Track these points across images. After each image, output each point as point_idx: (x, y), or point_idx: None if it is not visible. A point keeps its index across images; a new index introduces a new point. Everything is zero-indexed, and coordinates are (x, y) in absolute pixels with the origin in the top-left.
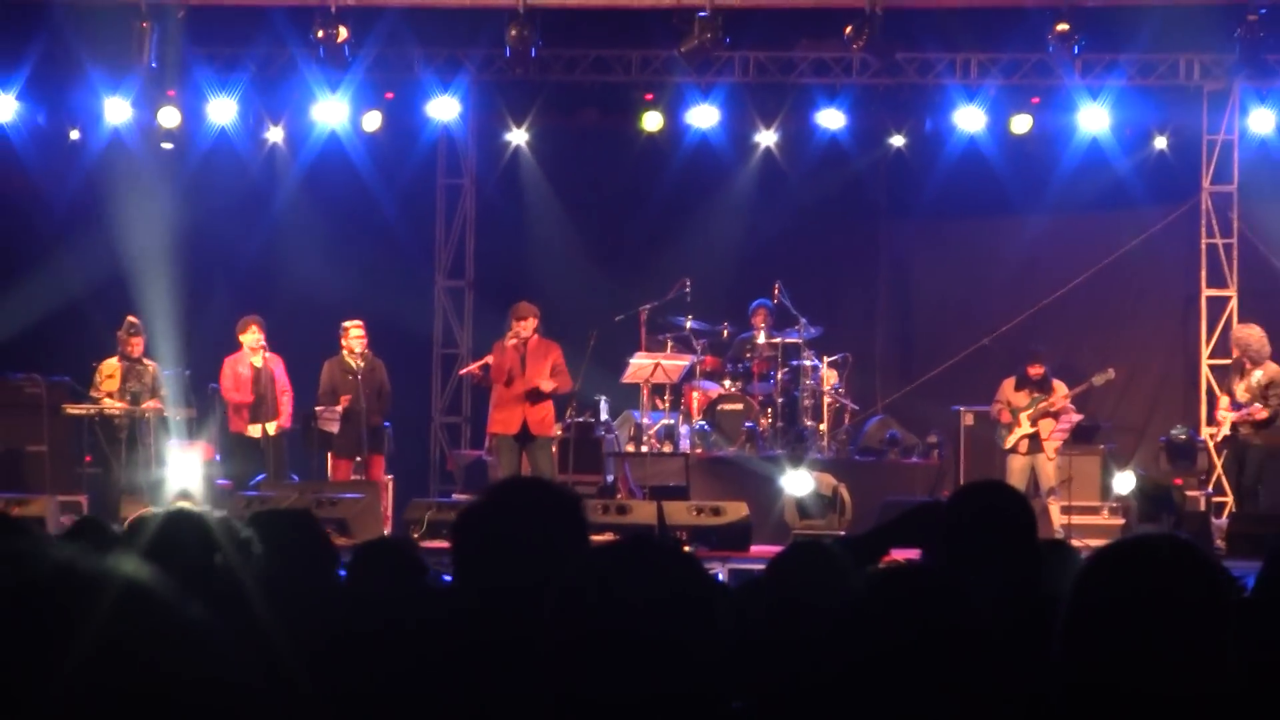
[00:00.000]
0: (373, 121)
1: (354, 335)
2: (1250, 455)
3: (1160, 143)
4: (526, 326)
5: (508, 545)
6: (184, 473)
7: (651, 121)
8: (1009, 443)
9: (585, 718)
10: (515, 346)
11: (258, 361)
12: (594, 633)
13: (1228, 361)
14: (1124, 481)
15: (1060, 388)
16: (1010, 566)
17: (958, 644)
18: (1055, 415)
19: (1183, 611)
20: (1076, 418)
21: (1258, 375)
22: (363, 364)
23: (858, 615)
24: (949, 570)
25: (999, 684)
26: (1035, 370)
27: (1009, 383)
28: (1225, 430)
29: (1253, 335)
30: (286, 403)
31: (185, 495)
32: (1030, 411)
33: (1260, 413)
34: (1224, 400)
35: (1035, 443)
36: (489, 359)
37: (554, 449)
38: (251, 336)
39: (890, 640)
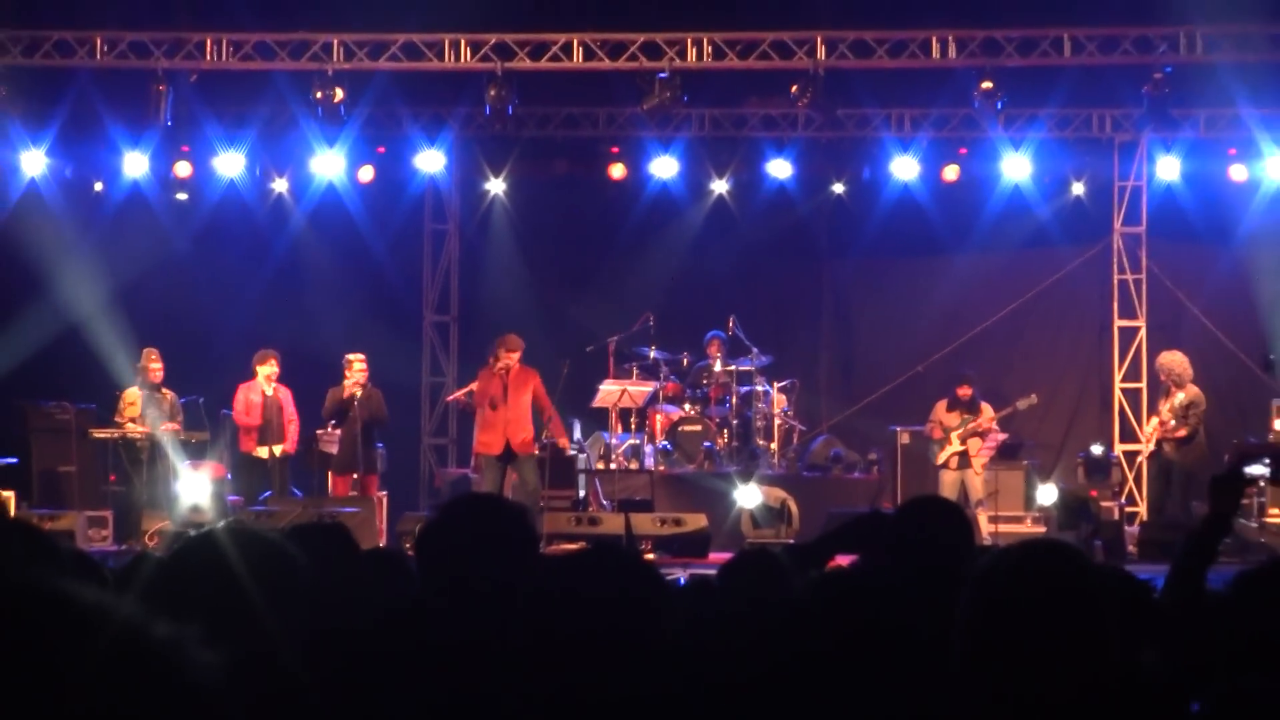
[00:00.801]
0: (366, 174)
1: (357, 367)
2: (1175, 470)
3: (1077, 189)
4: (515, 358)
5: (462, 553)
6: (196, 490)
7: (611, 170)
8: (941, 459)
9: (551, 704)
10: (500, 374)
11: (269, 390)
12: (561, 627)
13: (1139, 385)
14: (1047, 493)
15: (987, 409)
16: (953, 577)
17: (891, 641)
18: (982, 434)
19: (1066, 613)
20: (1001, 437)
21: (1180, 397)
22: (360, 393)
23: (798, 614)
24: (884, 573)
25: (931, 680)
26: (964, 392)
27: (941, 404)
28: (1151, 446)
29: (1176, 361)
30: (293, 430)
31: (196, 509)
32: (960, 431)
33: (1179, 431)
34: (1153, 420)
35: (964, 459)
36: (473, 386)
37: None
38: (269, 368)
39: (827, 637)
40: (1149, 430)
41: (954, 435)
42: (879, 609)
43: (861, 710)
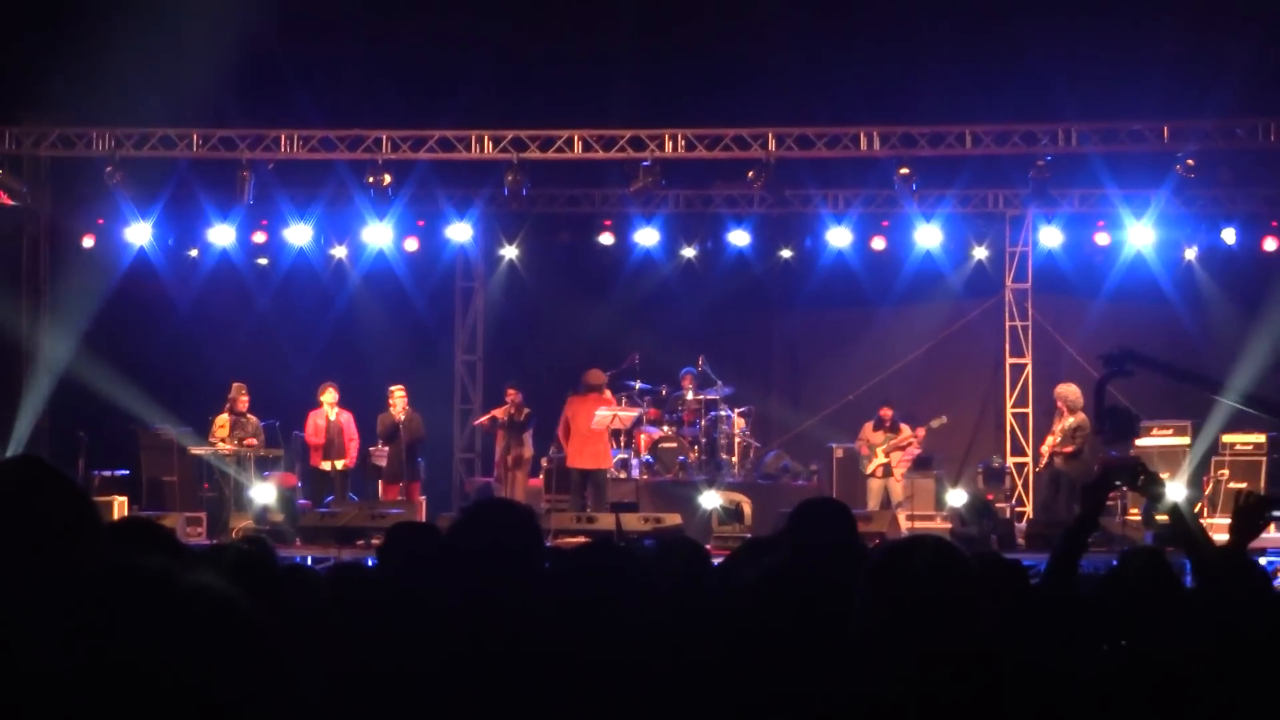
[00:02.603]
0: (409, 243)
1: (397, 395)
2: (1063, 479)
3: (977, 253)
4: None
5: (481, 545)
6: (267, 496)
7: (603, 238)
8: (868, 470)
9: (557, 654)
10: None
11: (332, 415)
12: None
13: (1026, 410)
14: (956, 497)
15: (905, 429)
16: (840, 560)
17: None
18: (902, 449)
19: (943, 592)
20: (916, 451)
21: (1070, 421)
22: (404, 416)
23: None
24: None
25: (834, 657)
26: (885, 414)
27: (868, 425)
28: (1045, 460)
29: (1070, 391)
30: (353, 448)
31: (269, 511)
32: (883, 446)
33: (1067, 448)
34: (1048, 439)
35: (887, 469)
36: (495, 412)
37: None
38: (329, 396)
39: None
40: (1045, 447)
41: (878, 450)
42: (791, 596)
43: (781, 684)
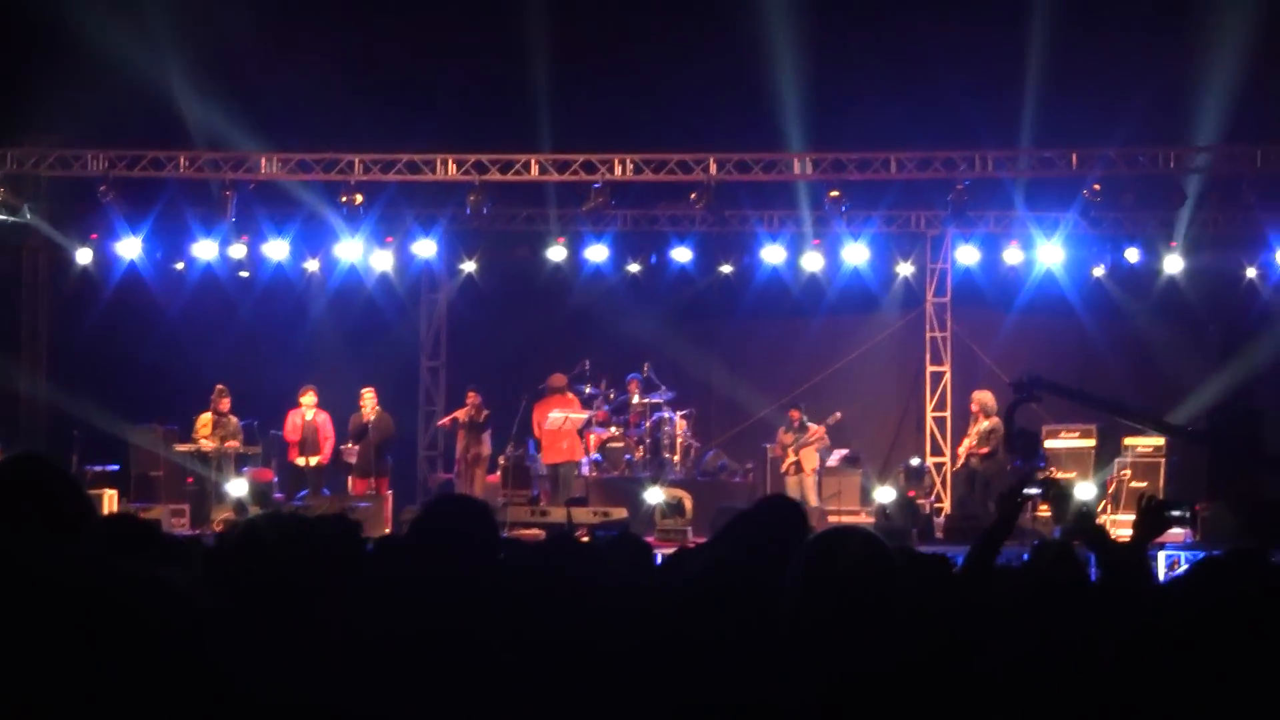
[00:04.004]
0: (378, 259)
1: (367, 398)
2: (978, 478)
3: (901, 269)
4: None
5: (440, 538)
6: (242, 490)
7: (556, 254)
8: (784, 468)
9: (514, 633)
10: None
11: (310, 415)
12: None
13: (945, 414)
14: (885, 494)
15: (812, 427)
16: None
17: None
18: (812, 445)
19: (865, 578)
20: (824, 445)
21: (985, 424)
22: (373, 417)
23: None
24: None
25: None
26: (794, 416)
27: (780, 429)
28: (962, 460)
29: (987, 397)
30: (328, 446)
31: (247, 504)
32: (793, 445)
33: (983, 449)
34: (965, 441)
35: (798, 467)
36: (457, 413)
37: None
38: (309, 398)
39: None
40: (962, 448)
41: (789, 450)
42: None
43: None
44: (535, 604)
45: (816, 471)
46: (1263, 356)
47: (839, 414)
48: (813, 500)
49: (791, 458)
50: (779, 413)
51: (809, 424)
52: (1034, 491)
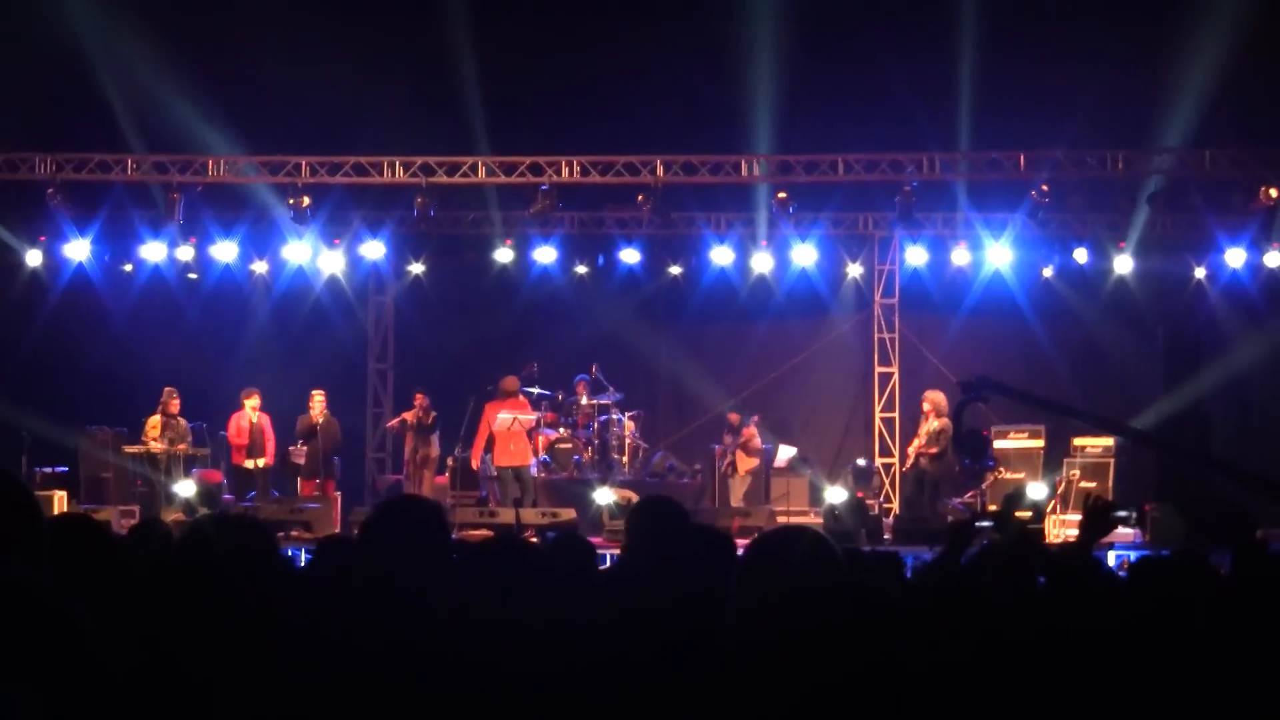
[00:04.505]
0: (326, 261)
1: (317, 400)
2: (927, 479)
3: (850, 271)
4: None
5: (395, 536)
6: (189, 491)
7: (504, 256)
8: (724, 468)
9: (462, 634)
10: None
11: (254, 418)
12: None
13: (893, 415)
14: (835, 494)
15: (746, 430)
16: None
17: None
18: (744, 447)
19: (809, 575)
20: (757, 446)
21: (935, 424)
22: (322, 419)
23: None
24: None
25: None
26: (732, 419)
27: (725, 431)
28: (911, 460)
29: (939, 398)
30: (270, 447)
31: (195, 505)
32: (730, 447)
33: (932, 449)
34: (915, 441)
35: (733, 466)
36: (405, 415)
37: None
38: (253, 401)
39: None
40: (911, 449)
41: (728, 452)
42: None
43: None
44: (484, 606)
45: (751, 473)
46: (1209, 359)
47: (756, 416)
48: (734, 500)
49: (729, 458)
50: (726, 415)
51: (744, 426)
52: (986, 524)
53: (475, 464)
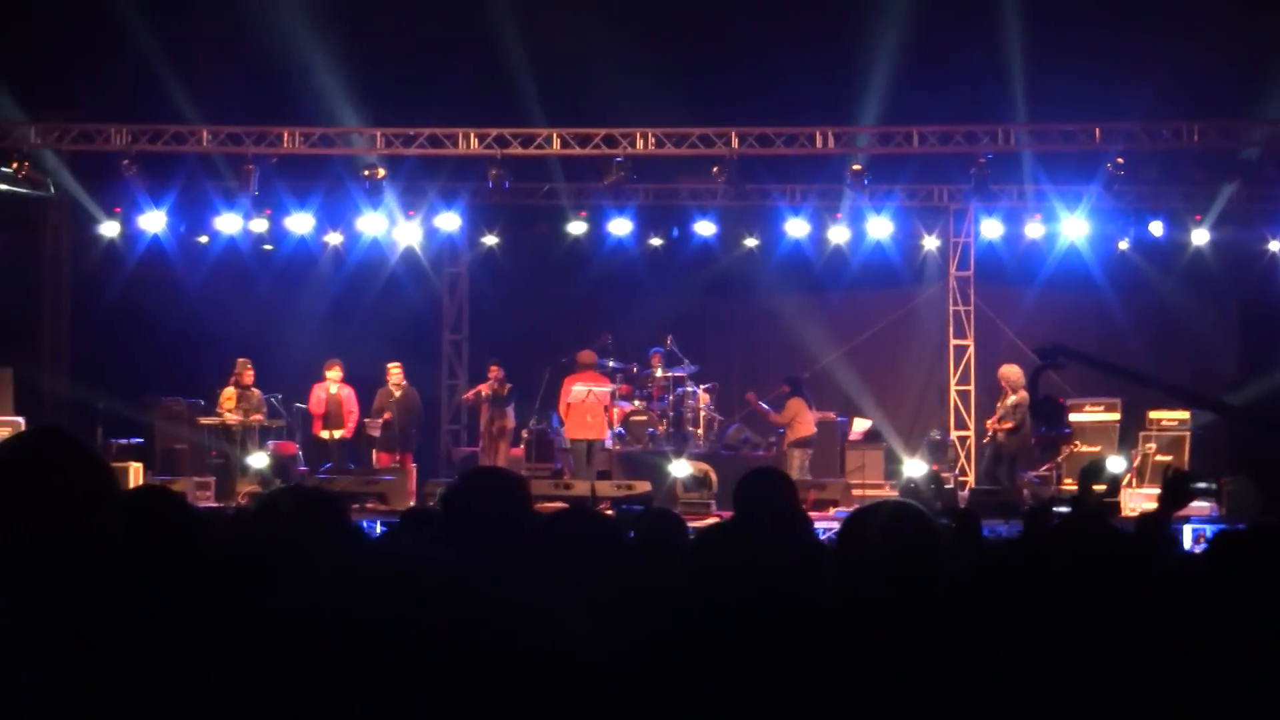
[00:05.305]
0: (401, 232)
1: (394, 372)
2: (1004, 453)
3: (929, 243)
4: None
5: (476, 507)
6: (270, 463)
7: (577, 228)
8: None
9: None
10: None
11: (334, 389)
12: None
13: (969, 388)
14: (915, 467)
15: (790, 404)
16: (781, 522)
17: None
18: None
19: (909, 551)
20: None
21: (1011, 399)
22: (399, 391)
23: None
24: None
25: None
26: (783, 390)
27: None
28: (989, 434)
29: (1013, 372)
30: (352, 420)
31: (269, 476)
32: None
33: (1007, 424)
34: (995, 416)
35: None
36: (481, 388)
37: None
38: (334, 372)
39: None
40: (990, 423)
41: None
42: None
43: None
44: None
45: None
46: None
47: (751, 393)
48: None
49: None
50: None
51: (790, 400)
52: (1064, 510)
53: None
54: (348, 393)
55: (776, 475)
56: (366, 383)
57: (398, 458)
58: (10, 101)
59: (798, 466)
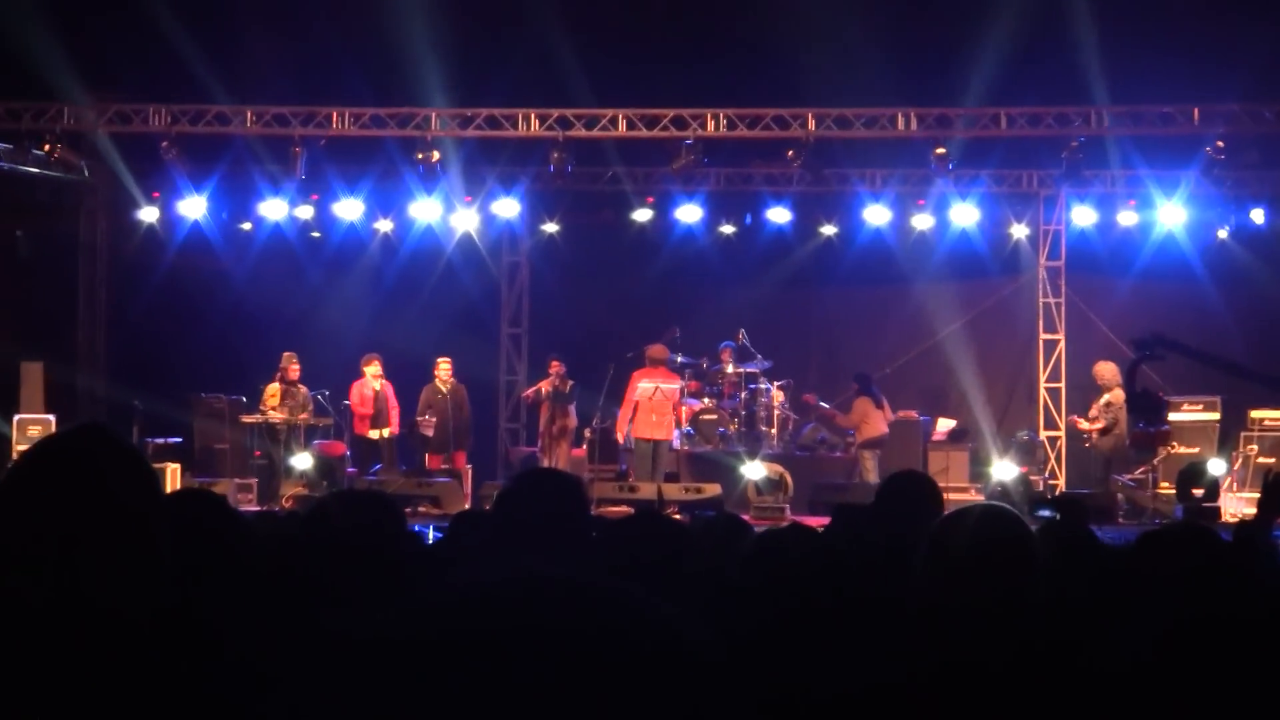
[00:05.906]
0: (456, 219)
1: (443, 368)
2: (1097, 454)
3: (1012, 231)
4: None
5: (532, 511)
6: (315, 464)
7: (643, 215)
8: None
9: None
10: None
11: (377, 385)
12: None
13: (1059, 385)
14: (1004, 469)
15: (857, 404)
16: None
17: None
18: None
19: (1004, 558)
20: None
21: (1105, 398)
22: (448, 388)
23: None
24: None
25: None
26: (852, 389)
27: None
28: (1084, 435)
29: (1107, 369)
30: (394, 416)
31: (317, 479)
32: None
33: (1098, 424)
34: (1087, 416)
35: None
36: (541, 384)
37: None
38: (374, 368)
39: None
40: (1078, 422)
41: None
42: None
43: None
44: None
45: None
46: None
47: (810, 395)
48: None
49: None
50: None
51: (858, 399)
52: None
53: (620, 436)
54: (389, 389)
55: (923, 479)
56: (419, 378)
57: (451, 458)
58: (42, 80)
59: (869, 469)
